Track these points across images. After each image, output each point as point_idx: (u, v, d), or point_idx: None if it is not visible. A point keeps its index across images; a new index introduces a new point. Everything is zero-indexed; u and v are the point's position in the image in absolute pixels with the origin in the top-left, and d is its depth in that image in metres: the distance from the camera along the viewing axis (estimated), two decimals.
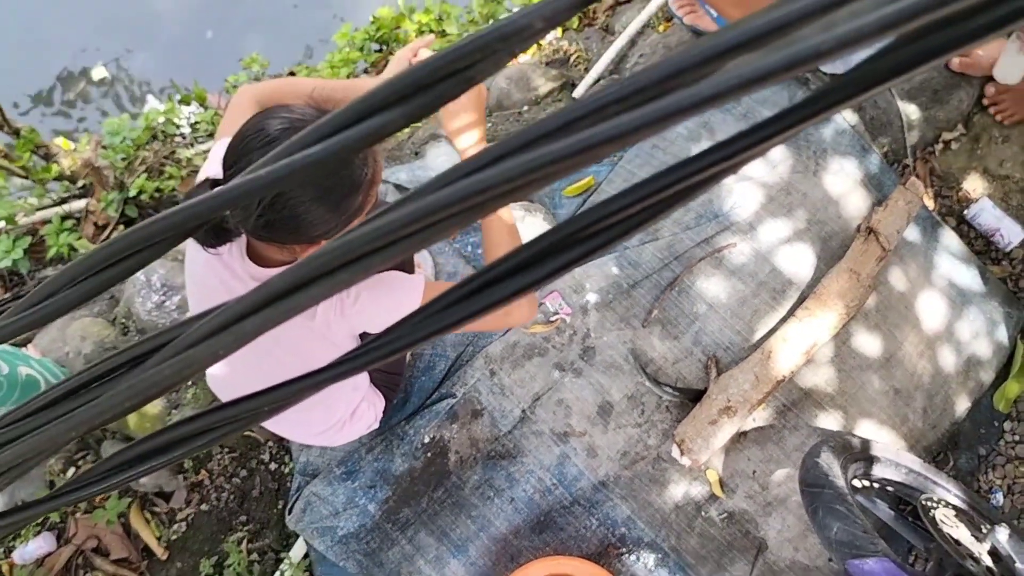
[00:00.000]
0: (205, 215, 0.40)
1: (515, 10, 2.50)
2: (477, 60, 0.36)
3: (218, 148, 1.40)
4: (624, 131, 0.33)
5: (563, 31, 2.74)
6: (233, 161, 1.12)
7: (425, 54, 1.56)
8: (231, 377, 1.58)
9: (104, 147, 2.78)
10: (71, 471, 2.18)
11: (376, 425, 1.79)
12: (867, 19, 0.29)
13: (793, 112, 0.34)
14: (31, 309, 0.44)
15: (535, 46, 2.66)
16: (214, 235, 1.21)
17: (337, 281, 0.38)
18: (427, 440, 1.91)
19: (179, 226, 0.41)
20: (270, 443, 2.10)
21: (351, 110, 0.38)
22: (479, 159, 0.36)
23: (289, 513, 1.93)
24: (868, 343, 1.95)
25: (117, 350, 0.45)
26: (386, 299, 1.34)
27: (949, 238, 2.09)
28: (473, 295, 0.41)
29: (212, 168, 1.34)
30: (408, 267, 1.76)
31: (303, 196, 1.10)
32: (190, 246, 1.45)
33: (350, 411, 1.66)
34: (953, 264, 2.06)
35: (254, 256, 1.31)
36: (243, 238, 1.30)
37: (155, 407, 2.12)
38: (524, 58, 2.69)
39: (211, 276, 1.35)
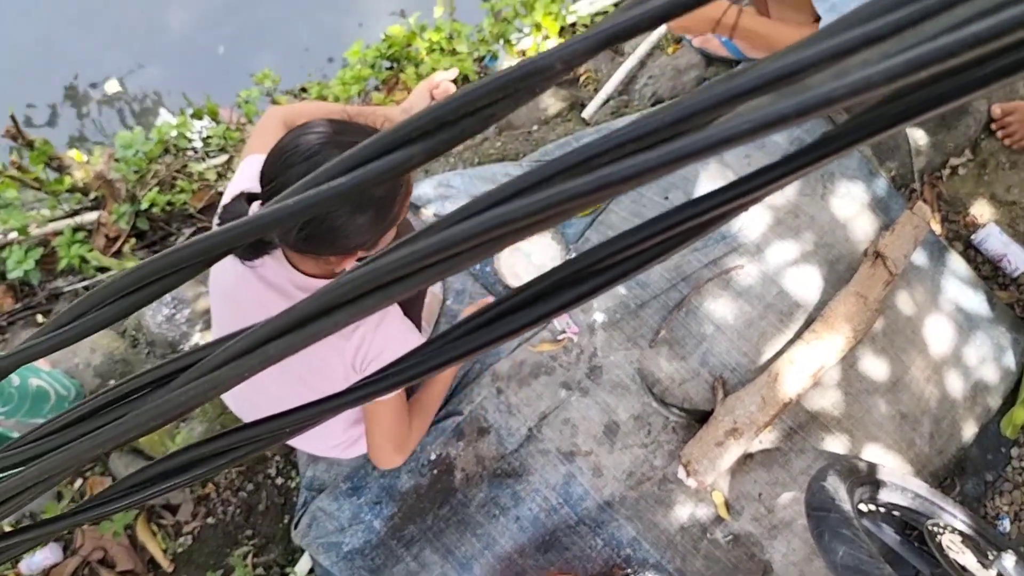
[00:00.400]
0: (237, 240, 0.42)
1: (524, 29, 2.53)
2: (498, 99, 0.38)
3: (248, 164, 1.43)
4: (640, 171, 0.34)
5: None
6: (273, 176, 1.16)
7: (447, 87, 1.60)
8: (246, 390, 1.59)
9: (117, 160, 2.81)
10: (79, 482, 2.20)
11: None
12: (876, 69, 0.30)
13: (807, 152, 0.35)
14: (62, 328, 0.45)
15: None
16: (252, 248, 1.25)
17: (362, 307, 0.40)
18: (433, 457, 1.92)
19: (212, 250, 0.42)
20: (277, 457, 2.11)
21: (377, 143, 0.39)
22: (500, 192, 0.37)
23: (295, 528, 1.93)
24: (875, 367, 1.95)
25: (143, 370, 0.46)
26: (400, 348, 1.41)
27: (956, 263, 2.09)
28: (493, 322, 0.42)
29: (243, 183, 1.37)
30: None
31: (341, 210, 1.14)
32: (217, 267, 1.47)
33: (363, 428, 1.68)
34: (960, 289, 2.07)
35: (292, 265, 1.34)
36: (279, 249, 1.33)
37: None
38: None
39: (243, 289, 1.37)
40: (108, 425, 0.46)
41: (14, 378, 1.91)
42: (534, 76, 0.36)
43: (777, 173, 0.36)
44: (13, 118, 2.74)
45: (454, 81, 1.69)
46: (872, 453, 1.91)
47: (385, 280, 0.39)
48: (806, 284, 1.98)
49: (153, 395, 0.46)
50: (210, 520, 2.07)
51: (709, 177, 2.10)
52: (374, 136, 0.39)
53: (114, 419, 0.47)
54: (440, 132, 0.38)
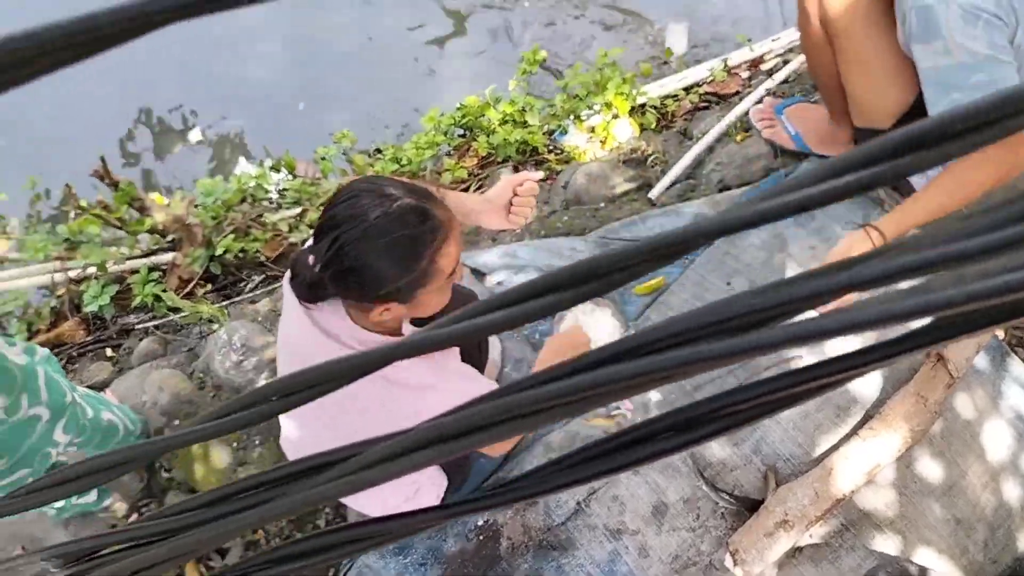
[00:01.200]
0: (383, 363, 0.47)
1: (595, 107, 2.60)
2: (636, 263, 0.43)
3: None
4: (742, 351, 0.39)
5: (641, 131, 2.84)
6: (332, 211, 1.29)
7: (531, 186, 1.69)
8: (303, 442, 1.67)
9: (196, 206, 2.95)
10: (134, 516, 2.26)
11: (436, 504, 1.84)
12: (955, 292, 0.34)
13: (900, 342, 0.40)
14: (230, 416, 0.51)
15: (615, 144, 2.77)
16: (311, 292, 1.33)
17: (493, 434, 0.45)
18: (480, 523, 1.94)
19: (362, 368, 0.48)
20: (327, 509, 2.16)
21: (530, 287, 0.45)
22: (607, 351, 0.43)
23: None
24: (931, 469, 1.94)
25: (293, 461, 0.52)
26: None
27: (1018, 369, 2.08)
28: (611, 453, 0.47)
29: None
30: (480, 348, 1.86)
31: (364, 250, 1.24)
32: (285, 317, 1.55)
33: (415, 489, 1.72)
34: (1021, 396, 2.05)
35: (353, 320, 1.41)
36: (339, 301, 1.40)
37: (222, 462, 2.20)
38: (602, 154, 2.79)
39: (305, 343, 1.44)
40: (258, 506, 0.51)
41: (88, 410, 1.99)
42: (678, 245, 0.42)
43: (867, 359, 0.40)
44: (103, 160, 2.90)
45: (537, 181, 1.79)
46: (924, 557, 1.89)
47: (513, 414, 0.44)
48: (865, 380, 1.99)
49: (300, 483, 0.51)
50: None
51: (768, 266, 2.14)
52: (531, 280, 0.44)
53: (262, 501, 0.52)
54: (591, 282, 0.43)
